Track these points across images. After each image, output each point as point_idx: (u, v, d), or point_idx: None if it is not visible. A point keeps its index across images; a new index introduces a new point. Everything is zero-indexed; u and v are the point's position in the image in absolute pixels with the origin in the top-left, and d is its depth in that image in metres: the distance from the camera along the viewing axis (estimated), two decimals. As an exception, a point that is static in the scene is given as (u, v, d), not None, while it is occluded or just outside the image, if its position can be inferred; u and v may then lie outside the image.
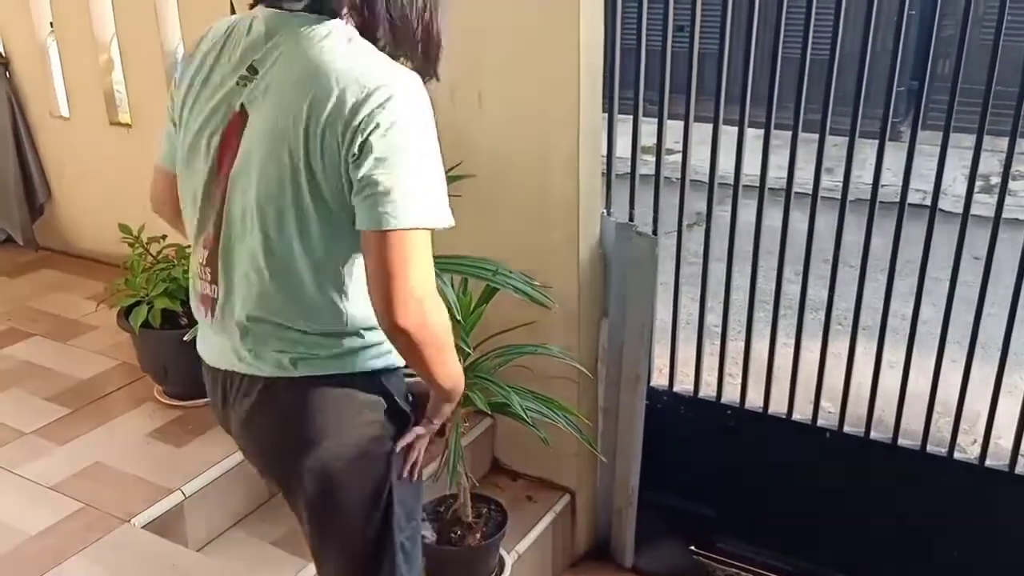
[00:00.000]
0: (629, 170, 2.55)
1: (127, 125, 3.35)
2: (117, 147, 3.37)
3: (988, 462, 2.39)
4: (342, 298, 1.35)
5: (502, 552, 2.33)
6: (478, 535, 2.22)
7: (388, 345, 1.37)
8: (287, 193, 1.28)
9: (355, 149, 1.23)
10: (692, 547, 2.85)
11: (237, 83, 1.32)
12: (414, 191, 1.25)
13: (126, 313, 2.47)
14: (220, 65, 1.35)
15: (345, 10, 1.29)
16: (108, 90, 3.37)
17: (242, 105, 1.31)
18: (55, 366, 2.80)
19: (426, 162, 1.28)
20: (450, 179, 2.16)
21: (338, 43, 1.27)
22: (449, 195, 2.18)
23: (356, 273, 1.35)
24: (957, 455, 2.43)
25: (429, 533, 2.23)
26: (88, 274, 3.46)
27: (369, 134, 1.22)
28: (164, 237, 2.67)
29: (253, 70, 1.31)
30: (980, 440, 2.41)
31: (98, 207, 3.47)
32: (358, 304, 1.35)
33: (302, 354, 1.37)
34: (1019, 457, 2.36)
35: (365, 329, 1.38)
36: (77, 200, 3.62)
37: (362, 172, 1.23)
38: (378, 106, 1.22)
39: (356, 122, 1.22)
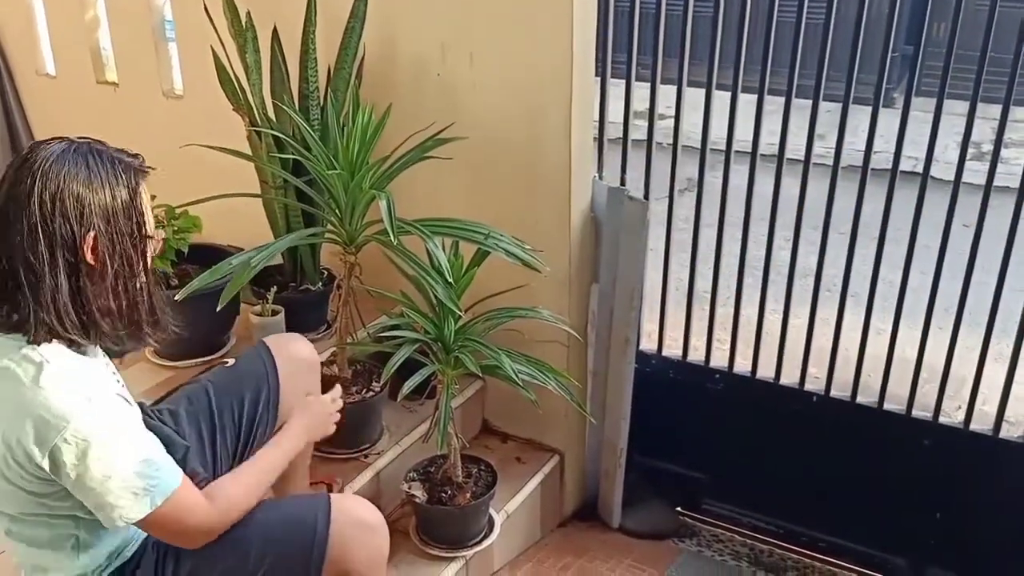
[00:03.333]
0: (621, 134, 2.55)
1: (114, 84, 3.31)
2: (104, 106, 3.33)
3: (972, 426, 2.43)
4: None
5: (492, 511, 2.36)
6: (468, 495, 2.24)
7: None
8: None
9: None
10: (678, 508, 2.88)
11: None
12: None
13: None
14: None
15: None
16: (94, 48, 3.32)
17: None
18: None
19: None
20: (441, 141, 2.17)
21: None
22: (441, 157, 2.20)
23: None
24: (942, 419, 2.46)
25: (420, 493, 2.25)
26: (77, 234, 3.44)
27: None
28: (153, 197, 2.64)
29: None
30: (965, 405, 2.44)
31: (86, 167, 3.44)
32: None
33: None
34: (1003, 422, 2.39)
35: None
36: (65, 159, 3.59)
37: None
38: None
39: None
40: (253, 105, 2.36)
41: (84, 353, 1.43)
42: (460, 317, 2.11)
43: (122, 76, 3.29)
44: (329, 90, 2.39)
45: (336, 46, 2.39)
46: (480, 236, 2.10)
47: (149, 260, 1.48)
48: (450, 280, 2.06)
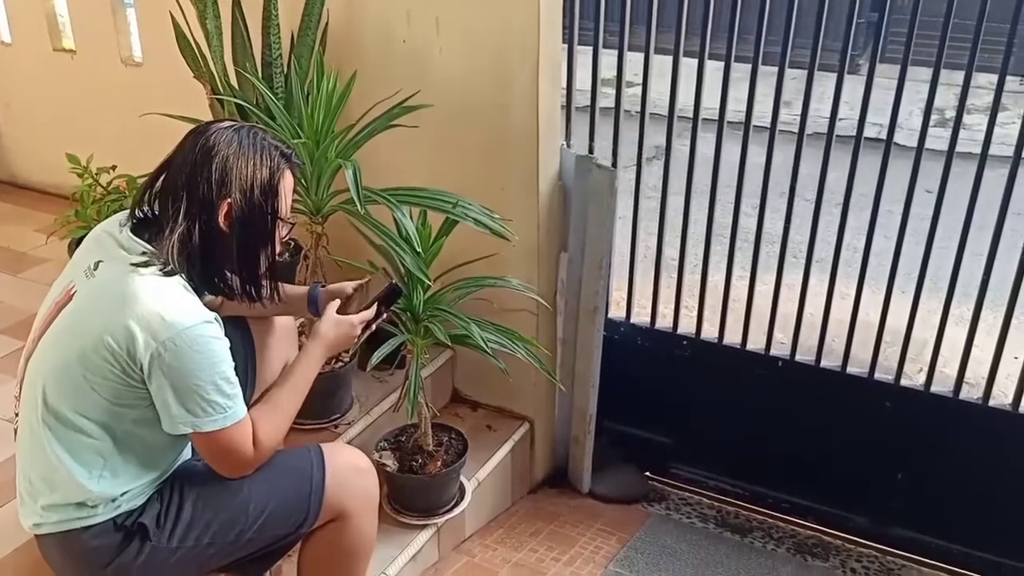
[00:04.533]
0: (589, 102, 2.54)
1: (71, 51, 3.24)
2: (62, 74, 3.26)
3: (933, 388, 2.48)
4: None
5: (463, 479, 2.38)
6: (439, 463, 2.25)
7: None
8: None
9: None
10: (647, 473, 2.92)
11: None
12: None
13: (77, 245, 2.42)
14: None
15: None
16: (51, 15, 3.25)
17: None
18: (7, 299, 2.75)
19: None
20: (408, 109, 2.15)
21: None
22: (407, 125, 2.17)
23: None
24: (904, 382, 2.51)
25: (391, 462, 2.26)
26: (37, 206, 3.38)
27: None
28: (114, 167, 2.61)
29: None
30: (926, 368, 2.49)
31: (45, 136, 3.37)
32: None
33: None
34: (963, 384, 2.45)
35: None
36: (23, 129, 3.51)
37: None
38: None
39: None
40: (215, 73, 2.31)
41: (199, 295, 1.55)
42: (429, 287, 2.10)
43: (79, 43, 3.21)
44: (293, 57, 2.35)
45: (299, 12, 2.35)
46: (448, 205, 2.09)
47: (276, 241, 1.59)
48: (418, 250, 2.05)
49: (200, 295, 1.55)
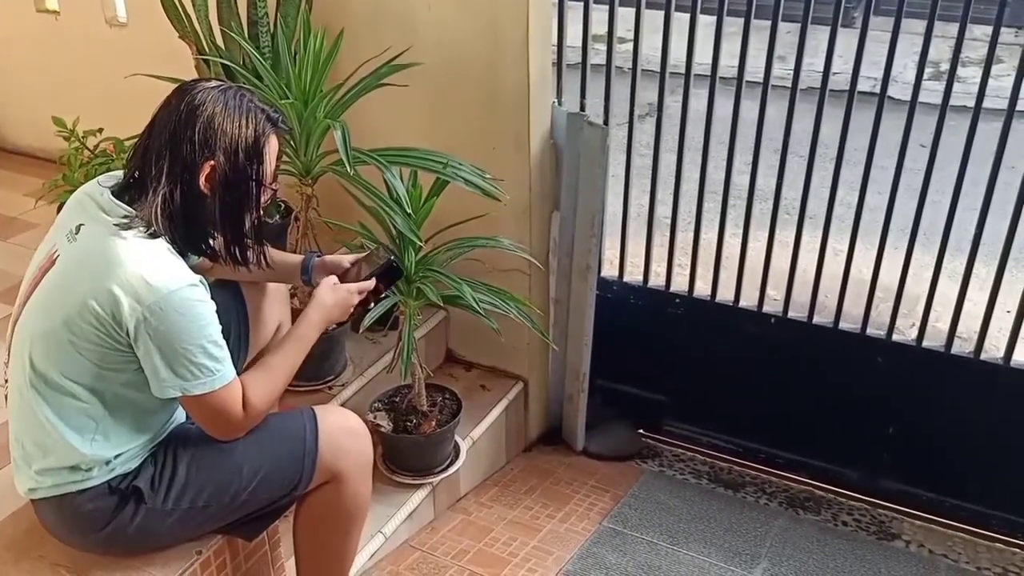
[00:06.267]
0: (580, 59, 2.51)
1: (55, 12, 3.19)
2: (45, 36, 3.22)
3: (925, 343, 2.49)
4: None
5: (457, 438, 2.39)
6: (433, 423, 2.26)
7: None
8: None
9: None
10: (641, 430, 2.95)
11: None
12: None
13: (66, 210, 2.40)
14: None
15: None
16: (32, -26, 3.19)
17: None
18: (-4, 265, 2.74)
19: None
20: (397, 67, 2.13)
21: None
22: (397, 84, 2.15)
23: None
24: (896, 337, 2.52)
25: (385, 422, 2.27)
26: (25, 170, 3.36)
27: None
28: (100, 130, 2.58)
29: None
30: (918, 323, 2.49)
31: (31, 100, 3.33)
32: None
33: None
34: (955, 338, 2.46)
35: None
36: (8, 93, 3.47)
37: None
38: None
39: None
40: (200, 32, 2.28)
41: (183, 257, 1.54)
42: (420, 248, 2.10)
43: (63, 4, 3.16)
44: (279, 16, 2.31)
45: (284, -31, 2.31)
46: (439, 165, 2.07)
47: (258, 207, 1.57)
48: (409, 211, 2.04)
49: (185, 257, 1.54)
